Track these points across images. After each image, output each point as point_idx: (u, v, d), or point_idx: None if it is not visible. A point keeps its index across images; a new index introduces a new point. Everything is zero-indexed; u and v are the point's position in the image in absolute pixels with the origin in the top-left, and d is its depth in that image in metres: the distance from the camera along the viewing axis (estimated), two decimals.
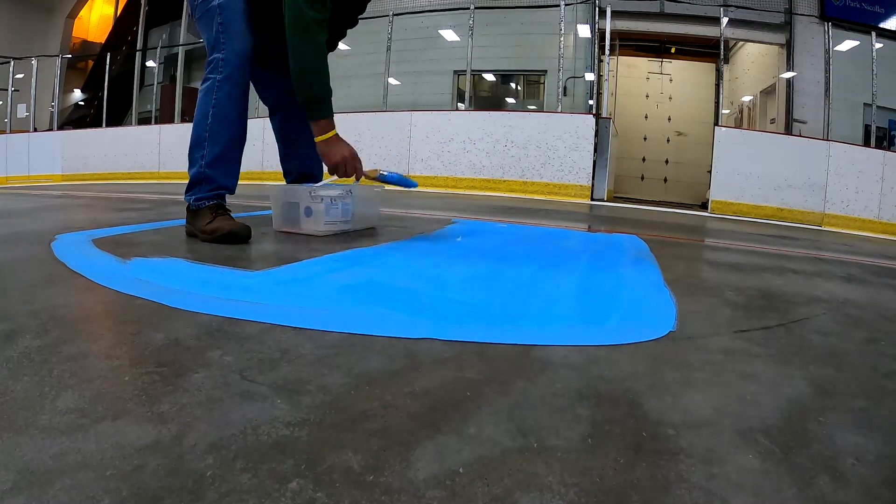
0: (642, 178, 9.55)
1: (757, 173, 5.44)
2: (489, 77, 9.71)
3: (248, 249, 1.43)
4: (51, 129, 9.77)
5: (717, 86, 7.85)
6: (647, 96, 9.63)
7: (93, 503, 0.39)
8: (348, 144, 1.65)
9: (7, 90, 9.89)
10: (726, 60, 8.33)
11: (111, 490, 0.40)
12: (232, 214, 1.59)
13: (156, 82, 10.31)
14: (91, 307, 0.90)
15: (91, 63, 13.40)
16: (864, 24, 6.83)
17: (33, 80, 9.26)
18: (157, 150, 7.77)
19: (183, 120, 9.03)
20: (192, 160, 1.60)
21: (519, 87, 10.03)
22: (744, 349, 0.84)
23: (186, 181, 1.61)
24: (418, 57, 8.52)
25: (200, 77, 1.85)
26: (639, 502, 0.43)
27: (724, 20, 6.40)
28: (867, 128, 6.72)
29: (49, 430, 0.48)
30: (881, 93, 5.91)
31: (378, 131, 6.33)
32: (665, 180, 9.51)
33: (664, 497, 0.44)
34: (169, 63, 11.50)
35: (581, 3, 7.65)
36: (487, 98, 9.92)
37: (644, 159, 9.59)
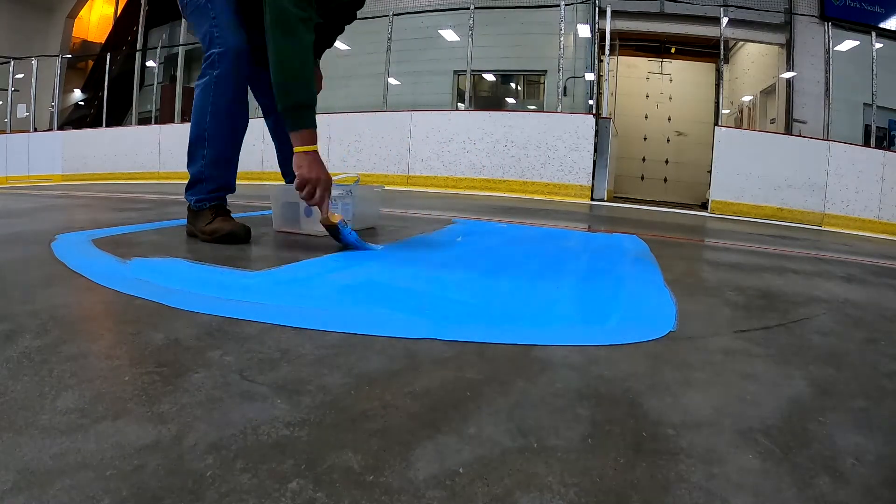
0: (642, 178, 9.55)
1: (757, 173, 5.44)
2: (489, 77, 9.71)
3: (248, 249, 1.43)
4: (51, 129, 9.77)
5: (717, 86, 7.86)
6: (647, 96, 9.63)
7: (93, 503, 0.39)
8: (327, 170, 1.46)
9: (7, 90, 9.89)
10: (726, 60, 8.33)
11: (111, 490, 0.40)
12: (232, 214, 1.59)
13: (156, 82, 10.32)
14: (91, 307, 0.90)
15: (91, 63, 13.41)
16: (864, 24, 6.83)
17: (33, 80, 9.26)
18: (157, 150, 7.78)
19: (183, 120, 9.04)
20: (192, 158, 1.58)
21: (519, 87, 10.03)
22: (744, 349, 0.84)
23: (186, 181, 1.61)
24: (418, 57, 8.52)
25: None
26: (639, 502, 0.43)
27: (724, 20, 6.40)
28: (867, 128, 6.72)
29: (49, 430, 0.48)
30: (881, 93, 5.91)
31: (378, 131, 6.33)
32: (665, 180, 9.51)
33: (664, 497, 0.44)
34: (169, 63, 11.51)
35: (581, 3, 7.66)
36: (487, 98, 9.92)
37: (644, 159, 9.59)
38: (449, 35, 8.48)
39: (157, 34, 12.06)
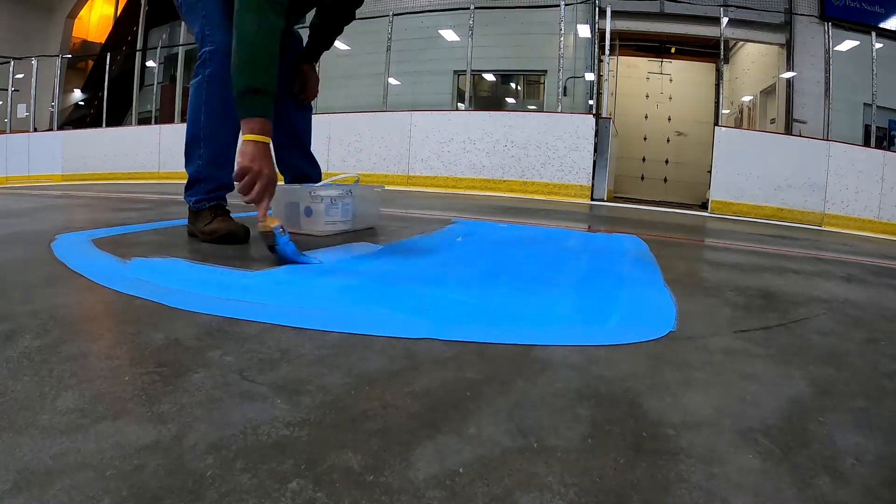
0: (642, 178, 9.55)
1: (757, 173, 5.44)
2: (489, 77, 9.71)
3: (248, 249, 1.43)
4: (51, 129, 9.77)
5: (717, 86, 7.86)
6: (647, 96, 9.63)
7: (93, 503, 0.39)
8: (274, 168, 1.35)
9: (7, 90, 9.89)
10: (726, 60, 8.34)
11: (111, 490, 0.40)
12: (231, 214, 1.59)
13: (156, 82, 10.32)
14: (91, 307, 0.90)
15: (91, 63, 13.41)
16: (864, 24, 6.83)
17: (33, 80, 9.26)
18: (157, 150, 7.77)
19: (183, 120, 8.99)
20: (189, 159, 1.57)
21: (519, 87, 10.03)
22: (744, 349, 0.84)
23: (186, 181, 1.61)
24: (418, 57, 8.52)
25: None
26: (639, 502, 0.43)
27: (724, 20, 6.40)
28: (867, 128, 6.73)
29: (49, 430, 0.48)
30: (881, 93, 5.91)
31: (378, 131, 6.33)
32: (665, 180, 9.51)
33: (664, 497, 0.44)
34: (169, 63, 11.51)
35: (581, 3, 7.66)
36: (487, 98, 9.92)
37: (644, 159, 9.60)
38: (449, 35, 8.48)
39: (157, 34, 12.07)
